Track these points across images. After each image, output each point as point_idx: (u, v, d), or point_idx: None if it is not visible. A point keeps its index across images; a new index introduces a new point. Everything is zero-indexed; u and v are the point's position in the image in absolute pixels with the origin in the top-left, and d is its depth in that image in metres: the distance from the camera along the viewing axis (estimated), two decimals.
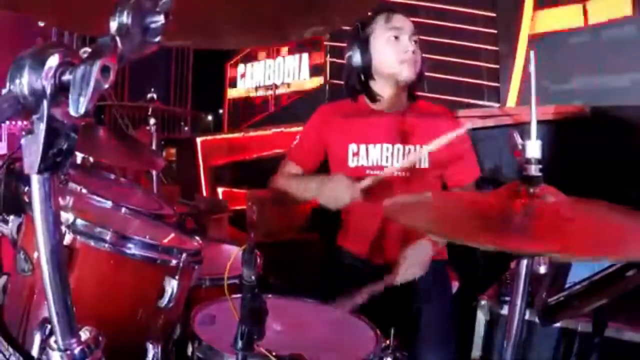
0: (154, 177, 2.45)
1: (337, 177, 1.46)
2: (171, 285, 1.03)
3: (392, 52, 1.56)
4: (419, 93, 1.70)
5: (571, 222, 0.77)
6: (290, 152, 1.71)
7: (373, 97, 1.63)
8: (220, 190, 4.67)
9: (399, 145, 1.59)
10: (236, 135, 5.07)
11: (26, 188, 1.06)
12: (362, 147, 1.60)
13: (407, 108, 1.65)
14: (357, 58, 1.58)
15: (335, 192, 1.43)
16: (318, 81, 5.51)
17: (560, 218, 0.78)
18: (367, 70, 1.58)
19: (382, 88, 1.61)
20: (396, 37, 1.56)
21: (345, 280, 1.56)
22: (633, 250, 0.69)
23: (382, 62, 1.57)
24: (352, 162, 1.61)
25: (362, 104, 1.66)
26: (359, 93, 1.65)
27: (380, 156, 1.59)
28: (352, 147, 1.61)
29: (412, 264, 1.44)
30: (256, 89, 6.45)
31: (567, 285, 1.07)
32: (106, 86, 0.51)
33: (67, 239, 0.97)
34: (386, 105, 1.63)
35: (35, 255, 0.97)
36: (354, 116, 1.65)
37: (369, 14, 1.61)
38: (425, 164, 1.58)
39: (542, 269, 1.55)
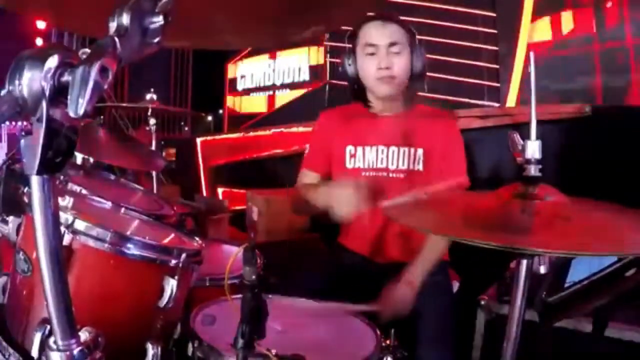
0: (154, 177, 2.46)
1: (341, 184, 1.44)
2: (171, 285, 1.03)
3: (368, 69, 1.56)
4: (419, 93, 1.70)
5: (570, 222, 0.77)
6: (304, 161, 1.73)
7: (368, 103, 1.65)
8: (220, 190, 4.67)
9: (394, 148, 1.60)
10: (236, 135, 5.07)
11: (26, 188, 1.06)
12: (359, 149, 1.62)
13: (404, 111, 1.65)
14: (346, 69, 1.61)
15: (340, 201, 1.37)
16: (318, 81, 5.51)
17: (559, 217, 0.78)
18: (357, 80, 1.61)
19: (374, 97, 1.63)
20: (372, 53, 1.55)
21: (346, 279, 1.56)
22: (632, 247, 0.69)
23: (363, 77, 1.59)
24: (349, 164, 1.63)
25: (361, 108, 1.68)
26: (358, 98, 1.67)
27: (375, 158, 1.61)
28: (350, 149, 1.63)
29: (394, 308, 1.40)
30: (256, 89, 6.45)
31: (567, 285, 1.07)
32: (105, 87, 0.51)
33: (67, 239, 0.97)
34: (382, 110, 1.65)
35: (35, 255, 0.96)
36: (352, 119, 1.68)
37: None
38: (420, 167, 1.59)
39: (542, 269, 1.55)
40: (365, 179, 1.61)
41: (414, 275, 1.45)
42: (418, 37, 1.60)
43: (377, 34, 1.55)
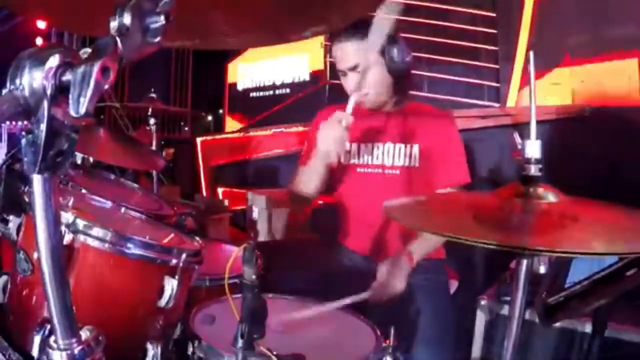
0: (154, 177, 2.46)
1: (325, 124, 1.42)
2: (171, 285, 1.03)
3: (346, 88, 1.59)
4: (417, 93, 1.71)
5: (571, 221, 0.77)
6: (301, 158, 1.74)
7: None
8: (220, 190, 4.67)
9: (390, 144, 1.62)
10: (236, 135, 5.07)
11: (26, 188, 1.06)
12: (354, 145, 1.65)
13: (400, 109, 1.67)
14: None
15: (325, 139, 1.38)
16: (318, 81, 5.50)
17: (560, 217, 0.78)
18: None
19: None
20: (344, 74, 1.58)
21: (346, 279, 1.56)
22: (633, 246, 0.69)
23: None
24: (344, 160, 1.64)
25: (358, 107, 1.68)
26: None
27: (371, 155, 1.63)
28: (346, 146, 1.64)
29: (390, 282, 1.41)
30: (256, 89, 6.44)
31: (567, 285, 1.07)
32: (106, 87, 0.51)
33: (67, 238, 0.97)
34: (376, 108, 1.66)
35: (35, 255, 0.96)
36: None
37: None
38: (416, 163, 1.60)
39: (542, 269, 1.55)
40: (361, 175, 1.63)
41: (412, 251, 1.47)
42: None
43: (340, 59, 1.57)
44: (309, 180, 1.57)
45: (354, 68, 1.54)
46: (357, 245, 1.68)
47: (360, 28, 1.49)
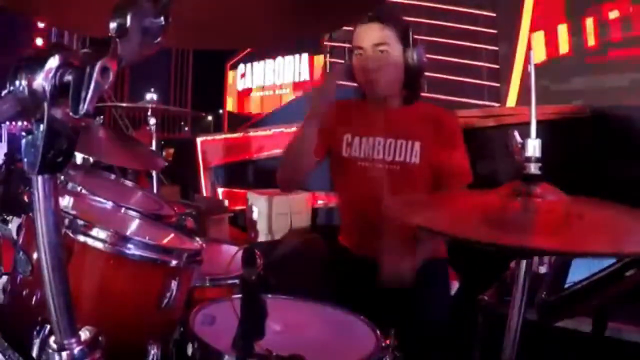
0: (154, 177, 2.46)
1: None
2: (171, 286, 1.03)
3: (358, 70, 1.61)
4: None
5: (571, 220, 0.77)
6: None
7: (367, 99, 1.69)
8: (220, 190, 4.67)
9: (391, 139, 1.62)
10: (236, 135, 5.07)
11: (26, 188, 1.06)
12: (356, 138, 1.65)
13: (404, 107, 1.67)
14: (347, 69, 1.67)
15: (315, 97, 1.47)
16: (318, 81, 5.50)
17: (561, 215, 0.78)
18: (356, 80, 1.66)
19: (371, 95, 1.67)
20: (361, 54, 1.59)
21: (346, 278, 1.56)
22: (632, 247, 0.69)
23: (357, 77, 1.64)
24: (345, 152, 1.65)
25: (362, 101, 1.71)
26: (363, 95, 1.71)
27: (372, 149, 1.63)
28: (347, 138, 1.66)
29: (397, 268, 1.43)
30: (256, 89, 6.45)
31: (567, 285, 1.07)
32: (106, 87, 0.51)
33: (67, 239, 0.97)
34: (382, 104, 1.66)
35: (35, 255, 0.97)
36: (352, 111, 1.71)
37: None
38: (416, 160, 1.60)
39: (542, 269, 1.55)
40: (361, 169, 1.64)
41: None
42: (417, 36, 1.60)
43: (363, 36, 1.58)
44: (300, 150, 1.58)
45: (378, 44, 1.56)
46: (357, 245, 1.68)
47: (382, 16, 1.56)
